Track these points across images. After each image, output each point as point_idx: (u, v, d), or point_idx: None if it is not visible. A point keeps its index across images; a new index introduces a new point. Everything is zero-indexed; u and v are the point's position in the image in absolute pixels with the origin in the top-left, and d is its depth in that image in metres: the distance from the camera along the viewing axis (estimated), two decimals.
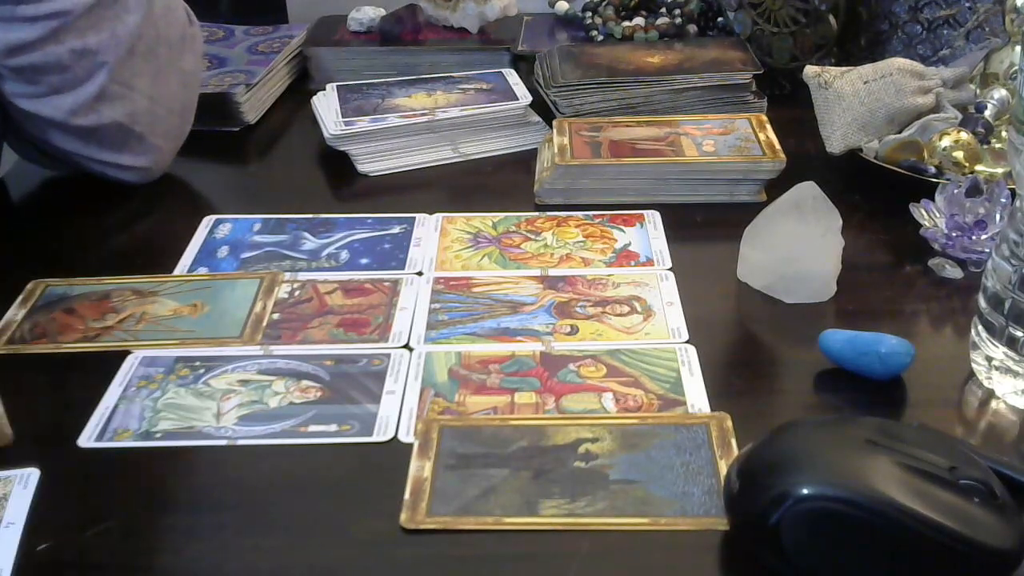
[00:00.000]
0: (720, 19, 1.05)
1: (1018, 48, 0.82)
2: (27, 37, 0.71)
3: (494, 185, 0.82)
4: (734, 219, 0.69)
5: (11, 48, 0.71)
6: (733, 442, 0.52)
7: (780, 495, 0.43)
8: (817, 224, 0.64)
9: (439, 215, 0.76)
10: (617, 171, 0.77)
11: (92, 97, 0.74)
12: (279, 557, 0.47)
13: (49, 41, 0.71)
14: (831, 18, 0.92)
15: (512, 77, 0.94)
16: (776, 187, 0.72)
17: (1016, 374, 0.54)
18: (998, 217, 0.66)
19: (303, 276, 0.69)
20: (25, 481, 0.51)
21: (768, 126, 0.80)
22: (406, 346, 0.61)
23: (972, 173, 0.74)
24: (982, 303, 0.55)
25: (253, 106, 0.93)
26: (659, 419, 0.54)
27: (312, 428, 0.55)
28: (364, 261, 0.70)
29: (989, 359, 0.55)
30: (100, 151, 0.77)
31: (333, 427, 0.55)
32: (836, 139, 0.78)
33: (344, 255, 0.71)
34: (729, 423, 0.53)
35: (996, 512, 0.43)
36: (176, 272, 0.70)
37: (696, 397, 0.56)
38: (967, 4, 0.91)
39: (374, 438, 0.54)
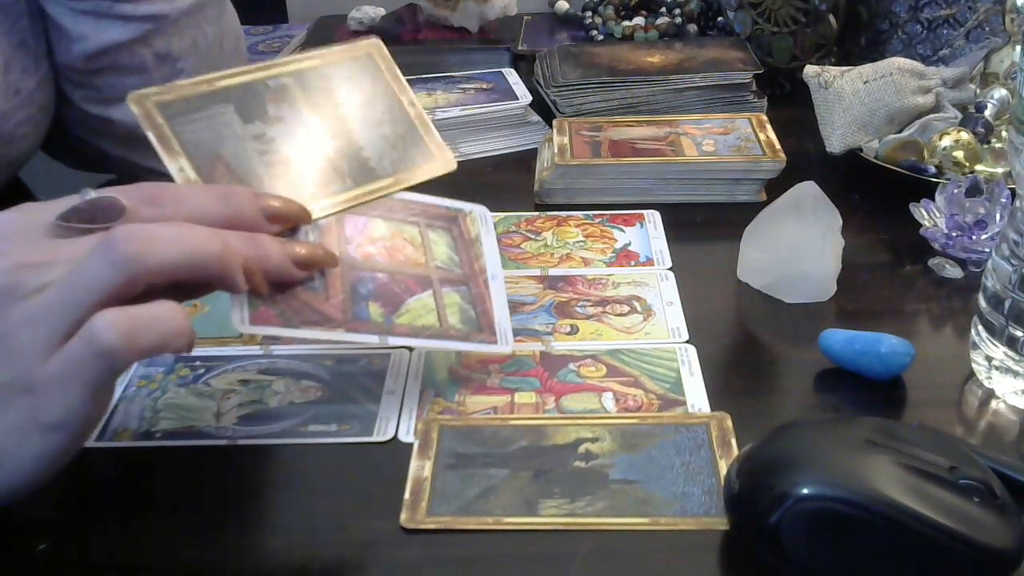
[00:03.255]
0: (720, 19, 1.05)
1: (1018, 48, 0.82)
2: (119, 37, 0.70)
3: (494, 185, 0.82)
4: (734, 219, 0.69)
5: (101, 50, 0.70)
6: (733, 442, 0.52)
7: (780, 495, 0.43)
8: (817, 224, 0.64)
9: None
10: (617, 171, 0.77)
11: None
12: (279, 557, 0.47)
13: (138, 43, 0.70)
14: (831, 18, 0.92)
15: (512, 77, 0.93)
16: (776, 187, 0.72)
17: (1016, 374, 0.54)
18: (998, 217, 0.66)
19: None
20: None
21: (768, 126, 0.80)
22: (406, 346, 0.61)
23: (972, 173, 0.74)
24: (982, 303, 0.55)
25: None
26: (659, 419, 0.54)
27: (312, 428, 0.55)
28: None
29: (989, 359, 0.55)
30: (147, 158, 0.76)
31: (333, 427, 0.55)
32: (836, 139, 0.79)
33: None
34: (729, 423, 0.53)
35: (996, 512, 0.43)
36: None
37: (696, 397, 0.56)
38: (967, 4, 0.91)
39: (374, 438, 0.54)
